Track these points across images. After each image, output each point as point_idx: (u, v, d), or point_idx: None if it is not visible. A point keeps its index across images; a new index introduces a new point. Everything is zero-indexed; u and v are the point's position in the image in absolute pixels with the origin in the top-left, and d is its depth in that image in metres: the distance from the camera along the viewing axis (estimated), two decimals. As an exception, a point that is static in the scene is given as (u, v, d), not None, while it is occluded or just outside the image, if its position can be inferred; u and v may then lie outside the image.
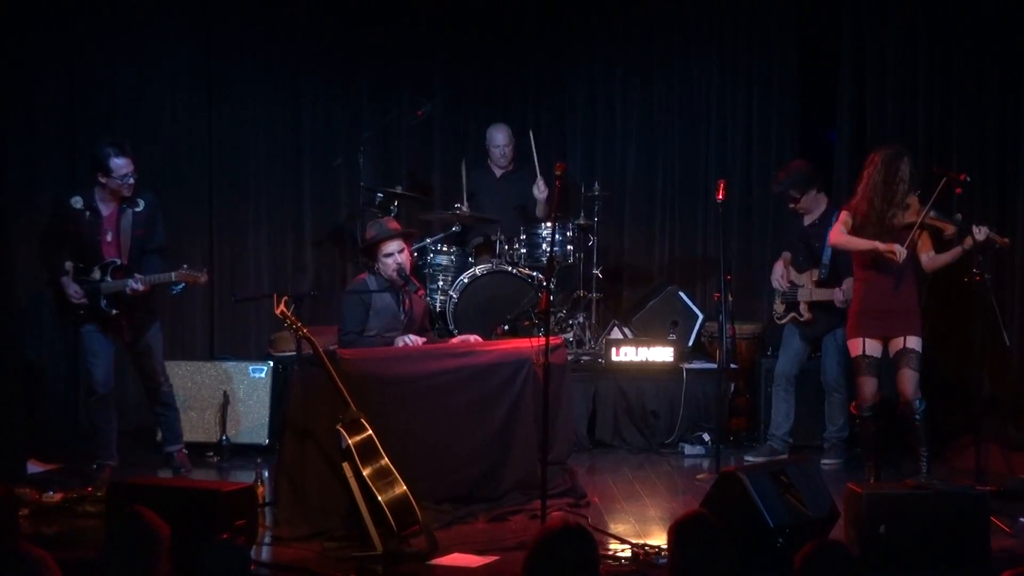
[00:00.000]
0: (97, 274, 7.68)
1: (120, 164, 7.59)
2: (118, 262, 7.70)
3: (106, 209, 7.74)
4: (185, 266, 7.74)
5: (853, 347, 7.52)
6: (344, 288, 8.53)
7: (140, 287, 7.60)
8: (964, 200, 7.59)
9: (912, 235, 7.27)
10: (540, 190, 9.65)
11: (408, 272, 7.55)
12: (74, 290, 7.66)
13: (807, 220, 8.48)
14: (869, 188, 7.38)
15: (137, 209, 7.78)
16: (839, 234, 7.52)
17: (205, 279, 7.85)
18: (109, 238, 7.73)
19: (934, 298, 8.15)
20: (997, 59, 8.94)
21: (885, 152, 7.42)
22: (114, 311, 7.70)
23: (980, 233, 7.19)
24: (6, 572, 4.12)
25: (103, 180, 7.64)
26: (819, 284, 8.28)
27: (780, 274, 8.51)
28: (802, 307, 8.37)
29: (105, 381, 7.83)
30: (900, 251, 7.27)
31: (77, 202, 7.72)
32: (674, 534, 4.32)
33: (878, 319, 7.45)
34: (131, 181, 7.67)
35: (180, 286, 7.74)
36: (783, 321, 8.55)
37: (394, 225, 7.63)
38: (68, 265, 7.71)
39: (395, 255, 7.45)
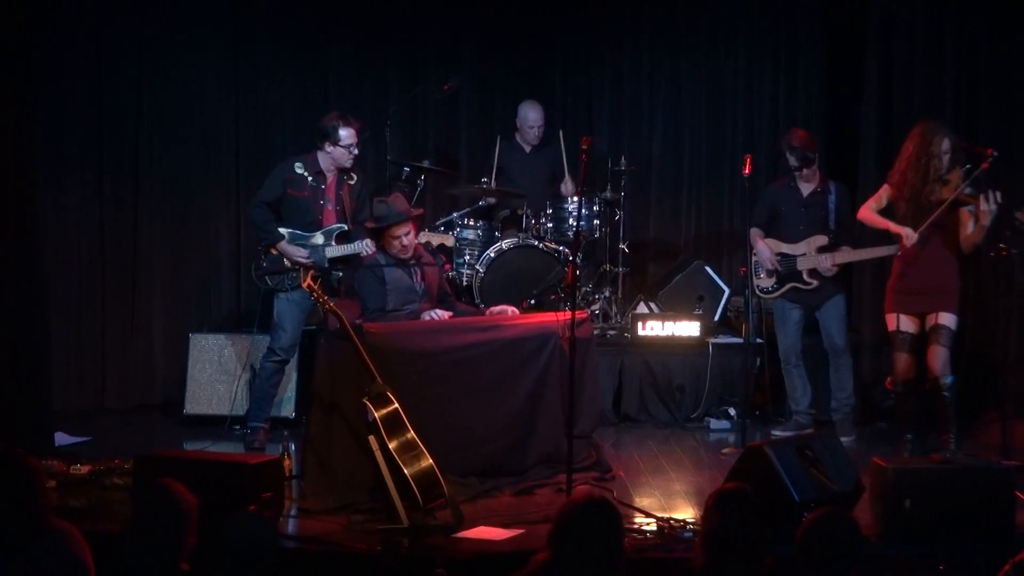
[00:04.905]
0: (320, 239, 7.91)
1: (347, 134, 7.91)
2: (345, 227, 7.95)
3: (328, 177, 7.98)
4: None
5: (889, 322, 7.57)
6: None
7: (371, 250, 7.79)
8: (991, 176, 7.53)
9: (938, 212, 7.24)
10: (567, 189, 9.69)
11: (411, 253, 7.51)
12: (297, 251, 7.86)
13: (806, 189, 8.42)
14: (906, 161, 7.40)
15: (351, 182, 8.07)
16: (865, 210, 7.73)
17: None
18: (330, 206, 7.97)
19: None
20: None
21: (923, 126, 7.45)
22: (340, 274, 7.99)
23: (987, 203, 7.14)
24: (35, 545, 4.17)
25: (329, 149, 7.93)
26: (821, 250, 8.26)
27: (771, 255, 8.43)
28: (805, 275, 8.34)
29: (289, 347, 8.06)
30: (909, 234, 7.31)
31: (299, 167, 7.94)
32: (715, 503, 4.31)
33: (913, 296, 7.47)
34: (355, 152, 7.97)
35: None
36: (775, 295, 8.48)
37: (403, 207, 7.51)
38: (283, 230, 7.91)
39: (401, 237, 7.40)
